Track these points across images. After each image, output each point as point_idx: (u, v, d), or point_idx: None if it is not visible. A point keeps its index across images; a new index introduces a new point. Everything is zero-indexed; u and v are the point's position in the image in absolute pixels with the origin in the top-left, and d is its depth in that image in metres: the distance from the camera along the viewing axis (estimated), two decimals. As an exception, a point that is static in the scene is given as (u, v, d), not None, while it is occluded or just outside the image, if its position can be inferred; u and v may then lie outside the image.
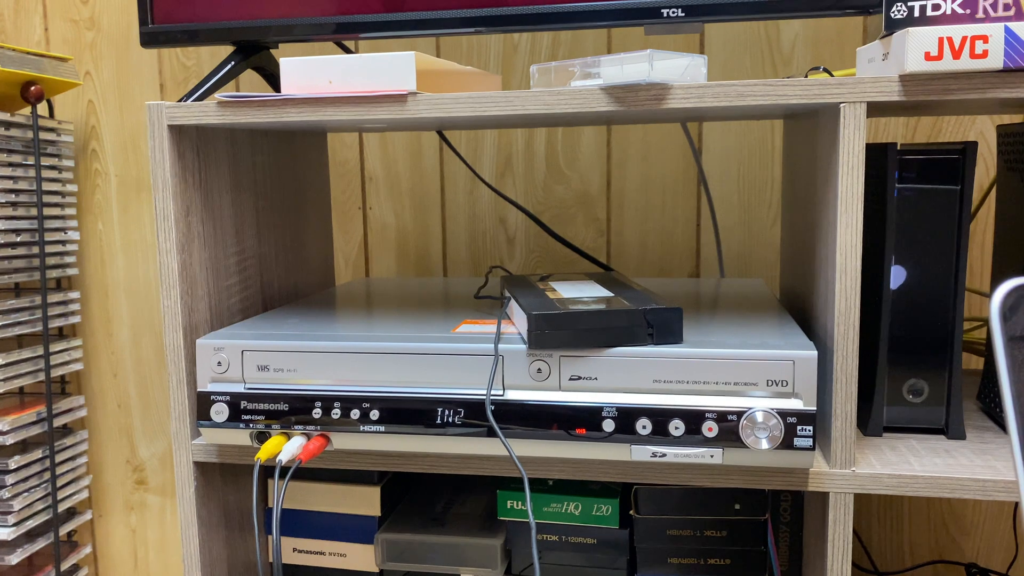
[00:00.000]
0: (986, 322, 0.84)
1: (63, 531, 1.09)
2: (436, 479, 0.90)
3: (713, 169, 1.02)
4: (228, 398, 0.64)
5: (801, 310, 0.74)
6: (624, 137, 1.03)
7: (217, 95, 0.65)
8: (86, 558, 1.21)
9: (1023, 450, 0.26)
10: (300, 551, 0.81)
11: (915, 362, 0.66)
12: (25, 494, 1.01)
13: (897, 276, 0.66)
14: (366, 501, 0.79)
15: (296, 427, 0.64)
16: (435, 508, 0.83)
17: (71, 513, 1.13)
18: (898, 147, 0.64)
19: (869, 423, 0.67)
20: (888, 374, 0.67)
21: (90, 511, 1.17)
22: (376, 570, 0.79)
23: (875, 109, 0.65)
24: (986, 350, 0.75)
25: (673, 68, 0.58)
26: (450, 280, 0.96)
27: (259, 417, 0.64)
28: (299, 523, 0.81)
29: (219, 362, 0.65)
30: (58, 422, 1.08)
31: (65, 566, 1.09)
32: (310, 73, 0.63)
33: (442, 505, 0.83)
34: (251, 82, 1.11)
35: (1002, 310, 0.26)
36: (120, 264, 1.16)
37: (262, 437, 0.64)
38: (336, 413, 0.63)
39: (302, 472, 0.80)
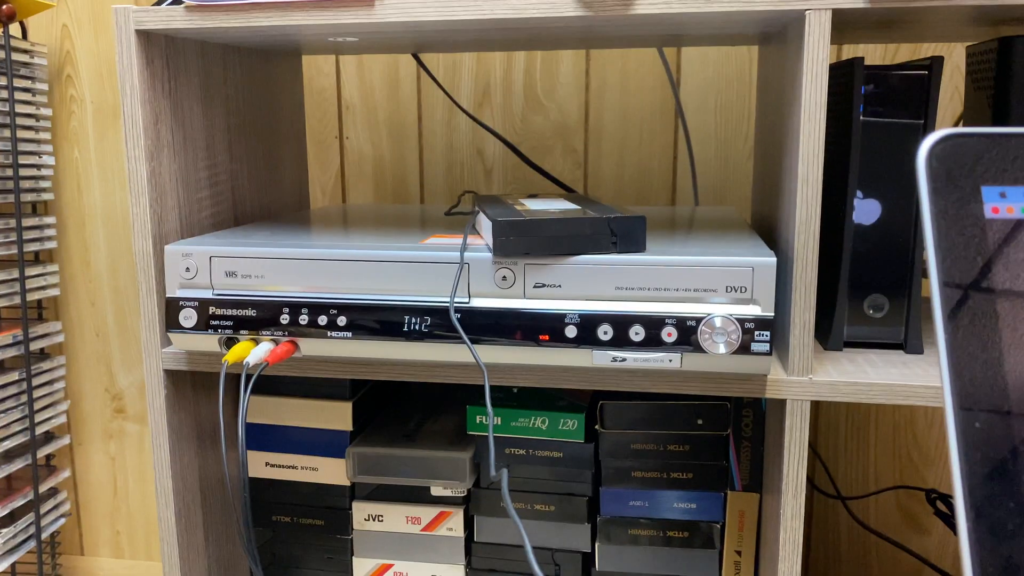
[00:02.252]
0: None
1: (41, 454, 1.10)
2: (408, 398, 0.91)
3: (690, 100, 1.02)
4: (196, 304, 0.65)
5: (768, 232, 0.75)
6: (602, 67, 1.03)
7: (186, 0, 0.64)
8: (65, 482, 1.23)
9: (944, 325, 0.27)
10: (273, 465, 0.82)
11: (877, 280, 0.67)
12: (2, 415, 1.02)
13: (872, 210, 0.67)
14: (338, 416, 0.80)
15: (264, 333, 0.64)
16: (407, 425, 0.84)
17: (49, 437, 1.14)
18: (864, 63, 0.64)
19: (830, 338, 0.68)
20: (850, 291, 0.68)
21: (68, 436, 1.18)
22: (347, 483, 0.81)
23: (843, 24, 0.65)
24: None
25: (641, -27, 0.58)
26: (426, 205, 0.96)
27: (227, 323, 0.65)
28: (272, 438, 0.82)
29: (187, 268, 0.65)
30: (35, 346, 1.08)
31: (43, 488, 1.10)
32: (278, -23, 0.63)
33: (414, 422, 0.85)
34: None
35: (929, 158, 0.26)
36: (97, 192, 1.16)
37: (231, 343, 0.65)
38: (304, 319, 0.64)
39: (274, 387, 0.81)
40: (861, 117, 0.65)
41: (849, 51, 0.98)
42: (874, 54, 0.97)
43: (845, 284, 0.67)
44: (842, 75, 0.67)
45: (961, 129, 0.27)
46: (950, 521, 0.92)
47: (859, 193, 0.67)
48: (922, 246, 0.67)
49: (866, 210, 0.67)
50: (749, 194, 1.03)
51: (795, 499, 0.63)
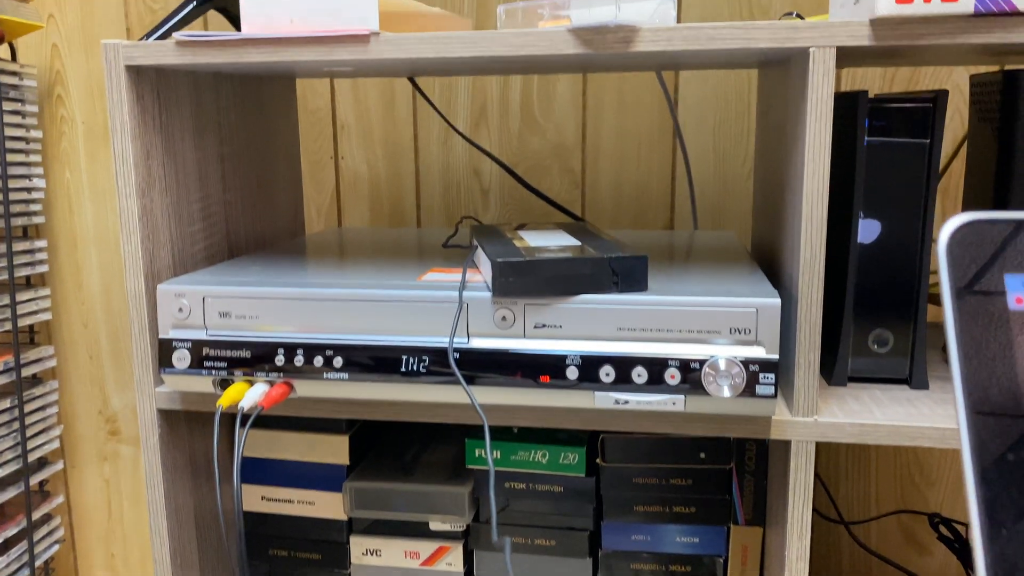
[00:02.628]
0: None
1: (34, 480, 1.08)
2: (405, 429, 0.90)
3: (689, 120, 1.01)
4: (190, 345, 0.64)
5: (770, 261, 0.74)
6: (600, 87, 1.02)
7: (176, 34, 0.63)
8: (59, 507, 1.21)
9: (965, 397, 0.26)
10: (269, 499, 0.81)
11: (881, 313, 0.66)
12: (-6, 443, 1.01)
13: (871, 230, 0.66)
14: (335, 450, 0.79)
15: (259, 374, 0.63)
16: (404, 457, 0.83)
17: (42, 463, 1.13)
18: (869, 96, 0.63)
19: (834, 373, 0.67)
20: (854, 325, 0.67)
21: (62, 461, 1.16)
22: (345, 518, 0.80)
23: (846, 56, 0.64)
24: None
25: (641, 10, 0.56)
26: (422, 231, 0.95)
27: (221, 364, 0.63)
28: (268, 471, 0.80)
29: (180, 308, 0.64)
30: (27, 372, 1.07)
31: (37, 515, 1.09)
32: (271, 12, 0.61)
33: (411, 454, 0.84)
34: (219, 23, 1.08)
35: (950, 245, 0.25)
36: (89, 213, 1.14)
37: (225, 384, 0.64)
38: (299, 360, 0.62)
39: (270, 421, 0.80)
40: (867, 136, 0.64)
41: (847, 74, 0.97)
42: (873, 74, 0.96)
43: (850, 319, 0.66)
44: (846, 104, 0.66)
45: (983, 214, 0.26)
46: (953, 546, 0.91)
47: (859, 213, 0.66)
48: (927, 275, 0.66)
49: (864, 229, 0.66)
50: (748, 213, 1.02)
51: (800, 540, 0.62)
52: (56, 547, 1.13)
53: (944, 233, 0.26)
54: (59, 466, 1.14)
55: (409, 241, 0.86)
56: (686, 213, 1.03)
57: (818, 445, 1.04)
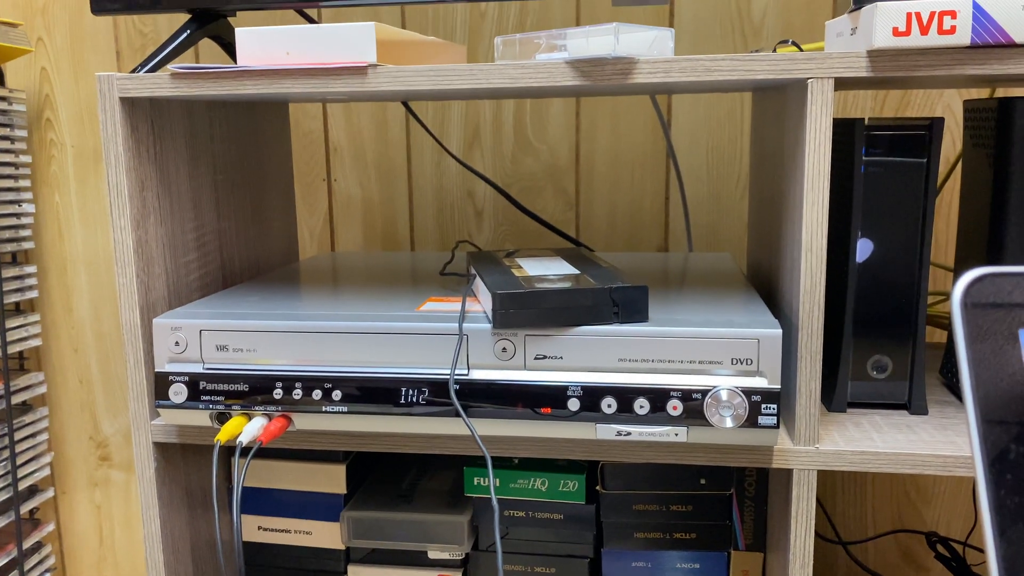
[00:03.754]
0: (948, 296, 0.84)
1: (25, 509, 1.07)
2: (402, 455, 0.89)
3: (682, 141, 1.01)
4: (186, 378, 0.63)
5: (767, 285, 0.74)
6: (593, 108, 1.02)
7: (171, 66, 0.63)
8: (50, 535, 1.20)
9: (981, 444, 0.26)
10: (265, 529, 0.80)
11: (880, 337, 0.67)
12: (-16, 473, 1.00)
13: (863, 249, 0.66)
14: (332, 479, 0.78)
15: (257, 408, 0.62)
16: (402, 484, 0.82)
17: (32, 491, 1.11)
18: (865, 122, 0.63)
19: (833, 399, 0.67)
20: (853, 350, 0.67)
21: (52, 488, 1.15)
22: (342, 547, 0.79)
23: (843, 84, 0.64)
24: (950, 326, 0.75)
25: (639, 42, 0.57)
26: (417, 255, 0.94)
27: (219, 398, 0.63)
28: (264, 501, 0.80)
29: (176, 342, 0.63)
30: (17, 399, 1.06)
31: (28, 544, 1.07)
32: (267, 43, 0.61)
33: (409, 481, 0.83)
34: (211, 51, 1.08)
35: (964, 300, 0.25)
36: (79, 237, 1.13)
37: (222, 418, 0.63)
38: (298, 394, 0.62)
39: (266, 450, 0.79)
40: (863, 159, 0.64)
41: (839, 96, 0.97)
42: (865, 95, 0.97)
43: (849, 344, 0.66)
44: (842, 130, 0.66)
45: (997, 269, 0.26)
46: (950, 564, 0.91)
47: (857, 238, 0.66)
48: (925, 298, 0.66)
49: (858, 250, 0.66)
50: (742, 234, 1.02)
51: (803, 569, 0.62)
52: (48, 575, 1.11)
53: (959, 288, 0.26)
54: (50, 493, 1.12)
55: (404, 267, 0.85)
56: (680, 234, 1.03)
57: (814, 464, 1.04)
